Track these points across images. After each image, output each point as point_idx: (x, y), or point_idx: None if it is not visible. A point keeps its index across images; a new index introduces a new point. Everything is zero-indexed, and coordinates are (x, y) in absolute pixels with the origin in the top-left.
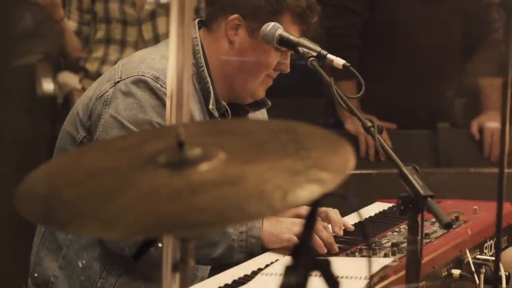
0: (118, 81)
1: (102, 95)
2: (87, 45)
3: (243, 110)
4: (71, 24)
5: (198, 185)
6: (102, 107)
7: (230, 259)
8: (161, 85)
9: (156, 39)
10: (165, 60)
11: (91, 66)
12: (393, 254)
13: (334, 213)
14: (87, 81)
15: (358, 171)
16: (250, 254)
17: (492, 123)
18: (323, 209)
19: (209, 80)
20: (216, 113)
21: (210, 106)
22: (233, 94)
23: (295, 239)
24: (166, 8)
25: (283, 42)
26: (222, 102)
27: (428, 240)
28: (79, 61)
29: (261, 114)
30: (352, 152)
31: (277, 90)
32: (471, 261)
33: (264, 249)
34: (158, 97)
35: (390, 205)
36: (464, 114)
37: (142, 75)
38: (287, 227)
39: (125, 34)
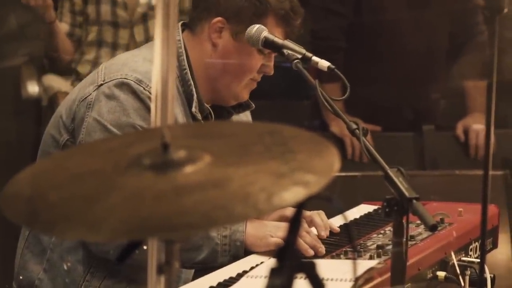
0: (101, 84)
1: (85, 98)
2: (79, 47)
3: (226, 112)
4: (64, 26)
5: (183, 188)
6: (85, 110)
7: (213, 263)
8: (144, 88)
9: (148, 41)
10: (148, 63)
11: (83, 69)
12: (378, 256)
13: (319, 215)
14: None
15: (343, 173)
16: (234, 258)
17: (477, 125)
18: (307, 213)
19: (192, 82)
20: (199, 116)
21: (193, 109)
22: (217, 96)
23: (281, 244)
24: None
25: (268, 44)
26: (205, 104)
27: (413, 242)
28: (71, 64)
29: (245, 117)
30: (337, 154)
31: (262, 92)
32: (456, 263)
33: (248, 253)
34: (141, 100)
35: (375, 207)
36: (449, 116)
37: (125, 78)
38: (271, 231)
39: (117, 36)
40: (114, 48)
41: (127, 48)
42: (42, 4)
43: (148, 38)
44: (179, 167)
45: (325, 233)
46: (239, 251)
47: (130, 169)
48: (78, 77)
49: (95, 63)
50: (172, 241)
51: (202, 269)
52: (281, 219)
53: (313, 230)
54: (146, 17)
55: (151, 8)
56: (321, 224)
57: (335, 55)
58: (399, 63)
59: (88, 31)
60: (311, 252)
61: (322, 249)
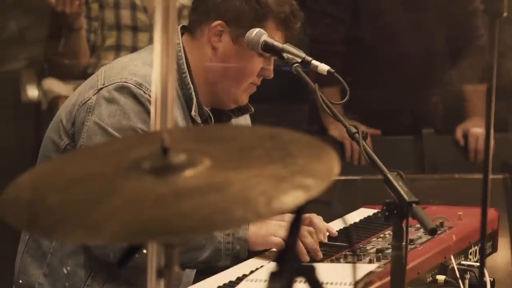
0: (101, 88)
1: (85, 102)
2: (93, 52)
3: (226, 115)
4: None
5: (183, 191)
6: (85, 114)
7: (217, 262)
8: (144, 92)
9: None
10: (147, 67)
11: None
12: (378, 260)
13: (318, 219)
14: None
15: (343, 177)
16: (237, 257)
17: (476, 129)
18: (307, 215)
19: (191, 86)
20: (198, 119)
21: (193, 113)
22: (216, 100)
23: (283, 244)
24: (178, 13)
25: (268, 48)
26: (205, 108)
27: (413, 246)
28: (87, 69)
29: (244, 120)
30: (337, 158)
31: (262, 96)
32: (455, 267)
33: (250, 252)
34: (141, 103)
35: (375, 211)
36: (448, 120)
37: (125, 82)
38: (274, 229)
39: (136, 40)
40: (134, 52)
41: None
42: (77, 11)
43: None
44: (179, 171)
45: (323, 237)
46: (242, 249)
47: (130, 173)
48: None
49: None
50: (171, 244)
51: (204, 272)
52: None
53: None
54: None
55: None
56: (321, 226)
57: (334, 59)
58: (398, 66)
59: (105, 36)
60: (307, 258)
61: (320, 253)
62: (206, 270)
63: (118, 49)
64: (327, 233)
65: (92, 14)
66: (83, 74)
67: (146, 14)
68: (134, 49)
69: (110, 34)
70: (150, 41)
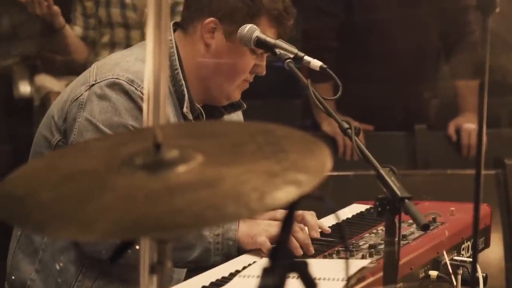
0: (93, 84)
1: (77, 98)
2: (94, 48)
3: (218, 112)
4: (77, 30)
5: (176, 187)
6: (77, 110)
7: (206, 262)
8: (135, 88)
9: None
10: (139, 63)
11: None
12: (371, 255)
13: (310, 216)
14: None
15: (336, 173)
16: (227, 257)
17: (469, 125)
18: (299, 212)
19: (183, 82)
20: (190, 116)
21: (184, 109)
22: (209, 96)
23: (268, 244)
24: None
25: (260, 44)
26: (197, 104)
27: (406, 242)
28: (86, 65)
29: (237, 116)
30: (329, 154)
31: (254, 92)
32: (448, 262)
33: (240, 251)
34: (133, 100)
35: (368, 206)
36: (441, 116)
37: (117, 78)
38: (264, 229)
39: (129, 38)
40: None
41: None
42: (48, 13)
43: None
44: (171, 167)
45: (315, 233)
46: (232, 250)
47: (122, 169)
48: None
49: None
50: (164, 240)
51: (195, 269)
52: (272, 221)
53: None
54: None
55: None
56: (313, 223)
57: (327, 54)
58: (390, 62)
59: (102, 33)
60: (300, 252)
61: (312, 248)
62: (198, 267)
63: (112, 46)
64: (319, 229)
65: (88, 11)
66: (82, 70)
67: (135, 12)
68: (127, 46)
69: (106, 31)
70: (142, 38)
